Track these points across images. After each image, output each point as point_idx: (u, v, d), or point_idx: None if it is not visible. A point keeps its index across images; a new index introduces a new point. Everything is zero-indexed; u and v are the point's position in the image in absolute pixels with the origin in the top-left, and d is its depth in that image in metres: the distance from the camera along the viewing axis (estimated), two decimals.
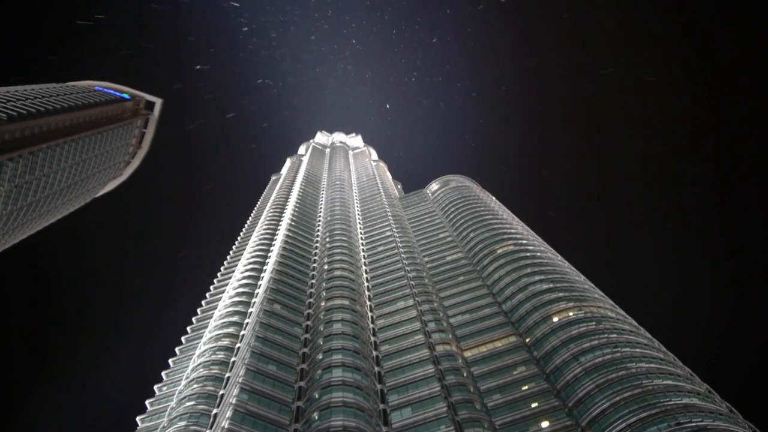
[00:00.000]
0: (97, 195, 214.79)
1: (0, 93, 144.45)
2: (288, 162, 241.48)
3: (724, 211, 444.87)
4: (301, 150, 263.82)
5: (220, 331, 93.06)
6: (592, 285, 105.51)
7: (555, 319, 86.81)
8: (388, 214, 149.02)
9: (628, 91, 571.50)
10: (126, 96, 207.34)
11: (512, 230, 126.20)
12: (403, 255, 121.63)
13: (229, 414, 66.14)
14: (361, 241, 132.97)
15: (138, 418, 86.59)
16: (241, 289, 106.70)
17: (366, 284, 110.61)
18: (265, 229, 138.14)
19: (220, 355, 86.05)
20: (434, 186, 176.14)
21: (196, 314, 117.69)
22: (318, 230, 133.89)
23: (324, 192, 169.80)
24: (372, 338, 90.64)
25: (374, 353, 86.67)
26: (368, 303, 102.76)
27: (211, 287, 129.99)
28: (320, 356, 80.00)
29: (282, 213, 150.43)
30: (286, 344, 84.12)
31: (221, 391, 77.51)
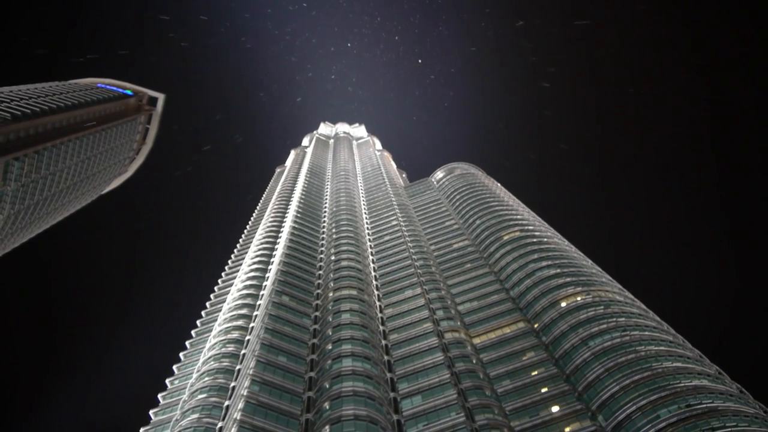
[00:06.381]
0: (103, 192, 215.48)
1: (3, 93, 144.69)
2: (292, 154, 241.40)
3: (726, 194, 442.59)
4: (305, 141, 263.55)
5: (229, 324, 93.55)
6: (600, 269, 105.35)
7: (563, 304, 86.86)
8: (394, 203, 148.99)
9: (629, 80, 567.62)
10: (129, 92, 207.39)
11: (518, 216, 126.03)
12: (409, 244, 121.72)
13: (241, 406, 66.67)
14: (367, 231, 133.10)
15: (151, 412, 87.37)
16: (249, 282, 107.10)
17: (373, 274, 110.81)
18: (271, 222, 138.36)
19: (231, 348, 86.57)
20: (439, 174, 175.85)
21: (206, 308, 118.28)
22: (324, 221, 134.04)
23: (329, 183, 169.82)
24: (381, 327, 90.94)
25: (383, 342, 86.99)
26: (376, 292, 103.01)
27: (220, 281, 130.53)
28: (330, 346, 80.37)
29: (287, 205, 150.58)
30: (295, 335, 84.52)
31: (232, 383, 78.06)
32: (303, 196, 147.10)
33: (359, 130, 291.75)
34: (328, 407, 68.39)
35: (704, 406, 60.95)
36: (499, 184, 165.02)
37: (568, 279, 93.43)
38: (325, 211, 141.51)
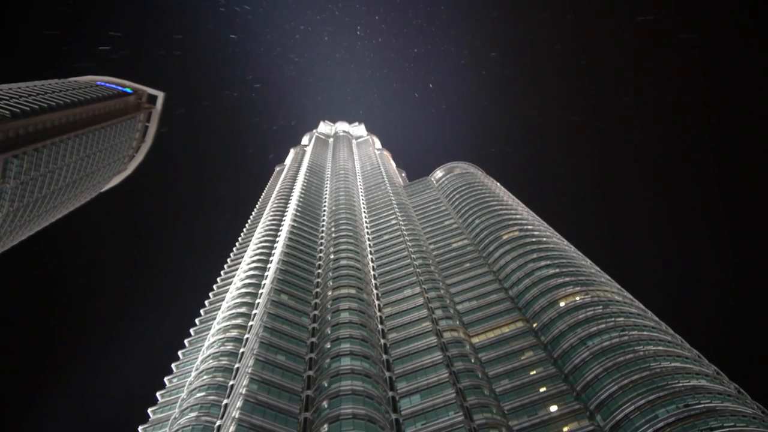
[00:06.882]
0: (103, 190, 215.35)
1: (3, 90, 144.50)
2: (291, 153, 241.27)
3: (726, 194, 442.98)
4: (305, 140, 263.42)
5: (228, 323, 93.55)
6: (598, 269, 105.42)
7: (562, 304, 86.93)
8: (393, 202, 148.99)
9: (628, 77, 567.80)
10: (128, 90, 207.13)
11: (517, 216, 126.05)
12: (408, 243, 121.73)
13: (239, 404, 66.68)
14: (366, 230, 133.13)
15: (150, 410, 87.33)
16: (248, 281, 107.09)
17: (372, 273, 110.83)
18: (270, 220, 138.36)
19: (229, 347, 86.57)
20: (438, 173, 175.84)
21: (205, 306, 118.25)
22: (323, 220, 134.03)
23: (328, 182, 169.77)
24: (379, 326, 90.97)
25: (382, 341, 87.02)
26: (375, 291, 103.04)
27: (219, 279, 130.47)
28: (328, 345, 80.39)
29: (287, 204, 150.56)
30: (294, 334, 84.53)
31: (231, 382, 78.08)
32: (302, 195, 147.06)
33: (359, 129, 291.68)
34: (326, 406, 68.43)
35: (702, 406, 61.02)
36: (498, 184, 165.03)
37: (567, 279, 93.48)
38: (324, 210, 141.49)
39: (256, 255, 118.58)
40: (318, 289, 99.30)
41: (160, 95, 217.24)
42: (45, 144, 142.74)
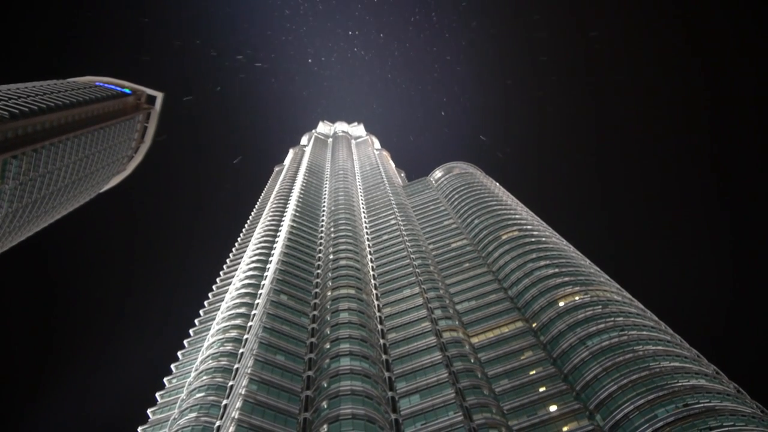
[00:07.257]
0: (102, 190, 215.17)
1: (2, 91, 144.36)
2: (290, 153, 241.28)
3: (724, 193, 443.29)
4: (304, 140, 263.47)
5: (227, 323, 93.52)
6: (598, 269, 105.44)
7: (561, 304, 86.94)
8: (392, 202, 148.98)
9: (627, 77, 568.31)
10: (127, 91, 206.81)
11: (517, 216, 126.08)
12: (407, 243, 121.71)
13: (238, 404, 66.66)
14: (365, 230, 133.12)
15: (149, 411, 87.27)
16: (247, 281, 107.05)
17: (371, 273, 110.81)
18: (269, 221, 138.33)
19: (229, 347, 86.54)
20: (438, 173, 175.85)
21: (204, 307, 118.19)
22: (322, 220, 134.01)
23: (327, 182, 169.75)
24: (379, 326, 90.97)
25: (381, 341, 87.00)
26: (374, 292, 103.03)
27: (218, 279, 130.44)
28: (328, 345, 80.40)
29: (286, 204, 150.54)
30: (293, 334, 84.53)
31: (230, 382, 78.05)
32: (301, 195, 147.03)
33: (358, 129, 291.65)
34: (326, 406, 68.42)
35: (701, 405, 61.02)
36: (497, 184, 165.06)
37: (566, 278, 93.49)
38: (323, 210, 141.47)
39: (255, 255, 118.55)
40: (317, 290, 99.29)
41: (159, 96, 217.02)
42: (44, 145, 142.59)
